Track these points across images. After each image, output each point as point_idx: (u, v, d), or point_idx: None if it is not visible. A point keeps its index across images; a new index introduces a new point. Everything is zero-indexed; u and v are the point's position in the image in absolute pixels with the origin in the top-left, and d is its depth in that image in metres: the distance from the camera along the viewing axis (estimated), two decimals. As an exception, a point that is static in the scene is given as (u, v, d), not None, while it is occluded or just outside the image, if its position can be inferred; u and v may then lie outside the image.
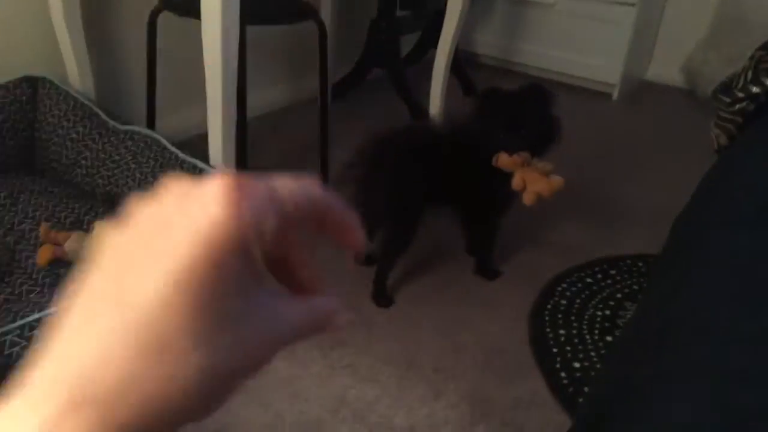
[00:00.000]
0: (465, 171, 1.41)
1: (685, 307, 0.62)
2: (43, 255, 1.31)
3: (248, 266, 0.27)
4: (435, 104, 2.35)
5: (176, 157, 1.51)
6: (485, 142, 1.39)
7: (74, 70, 1.74)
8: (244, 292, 0.27)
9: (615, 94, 2.90)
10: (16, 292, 1.27)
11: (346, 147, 2.22)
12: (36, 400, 0.24)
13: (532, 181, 1.35)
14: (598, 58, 2.88)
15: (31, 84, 1.68)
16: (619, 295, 1.54)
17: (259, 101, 2.38)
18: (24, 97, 1.65)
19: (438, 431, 1.17)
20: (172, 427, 0.26)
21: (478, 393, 1.26)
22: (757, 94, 1.18)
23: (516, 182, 1.36)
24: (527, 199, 1.35)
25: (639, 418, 0.51)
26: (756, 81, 1.18)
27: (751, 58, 1.24)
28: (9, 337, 1.08)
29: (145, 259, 0.26)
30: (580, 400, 1.24)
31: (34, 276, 1.30)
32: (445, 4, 2.18)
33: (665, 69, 3.09)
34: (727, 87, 1.23)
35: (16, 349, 1.08)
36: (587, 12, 2.84)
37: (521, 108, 1.41)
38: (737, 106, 1.20)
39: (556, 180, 1.36)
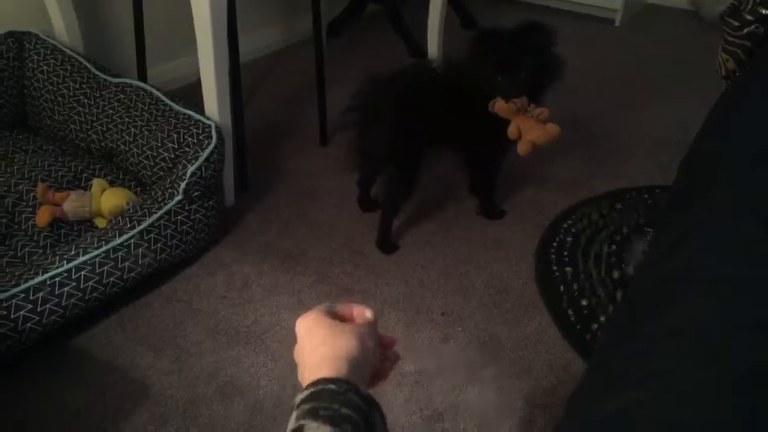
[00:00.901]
0: (464, 114, 1.37)
1: (692, 258, 0.61)
2: (43, 216, 1.30)
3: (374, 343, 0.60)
4: (433, 39, 2.28)
5: (170, 108, 1.48)
6: (482, 85, 1.35)
7: (60, 23, 1.68)
8: (375, 349, 0.60)
9: (618, 20, 2.81)
10: (19, 254, 1.27)
11: (345, 87, 2.16)
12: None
13: (527, 128, 1.31)
14: (600, -18, 2.78)
15: (17, 39, 1.63)
16: (625, 229, 1.53)
17: (251, 45, 2.31)
18: (10, 54, 1.61)
19: (446, 374, 1.18)
20: (365, 377, 0.57)
21: (486, 334, 1.27)
22: (766, 17, 1.14)
23: (511, 131, 1.32)
24: (522, 148, 1.32)
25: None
26: (766, 2, 1.13)
27: (761, -22, 1.18)
28: (14, 301, 1.09)
29: (340, 328, 0.59)
30: (587, 337, 1.25)
31: (35, 238, 1.30)
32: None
33: (669, -10, 2.99)
34: (735, 9, 1.17)
35: (22, 312, 1.09)
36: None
37: (519, 49, 1.34)
38: (746, 30, 1.15)
39: (552, 128, 1.31)
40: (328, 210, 1.61)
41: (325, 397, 0.49)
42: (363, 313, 0.63)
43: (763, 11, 1.13)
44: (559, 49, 1.41)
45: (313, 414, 0.47)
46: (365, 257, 1.46)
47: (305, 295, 1.35)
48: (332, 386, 0.50)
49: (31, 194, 1.35)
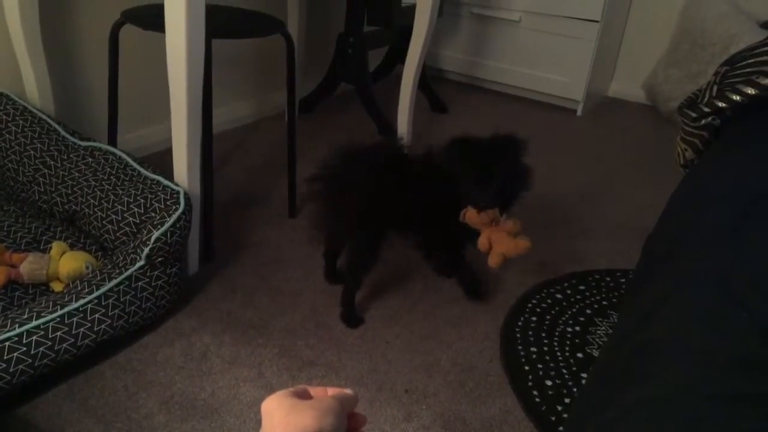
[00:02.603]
0: (430, 205, 1.39)
1: (663, 329, 0.61)
2: (-2, 277, 1.25)
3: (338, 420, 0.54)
4: (403, 120, 2.35)
5: (139, 173, 1.47)
6: (454, 190, 1.35)
7: (32, 84, 1.68)
8: (339, 427, 0.54)
9: (579, 110, 2.94)
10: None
11: (314, 162, 2.20)
12: None
13: (498, 241, 1.32)
14: (563, 75, 2.92)
15: (-13, 98, 1.62)
16: (588, 311, 1.55)
17: (224, 116, 2.34)
18: (-22, 112, 1.59)
19: (410, 454, 1.15)
20: None
21: (451, 413, 1.24)
22: (722, 109, 1.20)
23: (482, 242, 1.33)
24: (492, 261, 1.32)
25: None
26: (721, 96, 1.19)
27: (716, 73, 1.26)
28: None
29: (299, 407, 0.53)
30: (553, 418, 1.23)
31: (-13, 299, 1.24)
32: (412, 21, 2.18)
33: (627, 85, 3.15)
34: (692, 102, 1.24)
35: None
36: (551, 28, 2.88)
37: (493, 160, 1.33)
38: (703, 121, 1.21)
39: (523, 243, 1.32)
40: (294, 281, 1.60)
41: None
42: (341, 390, 0.60)
43: (719, 104, 1.19)
44: (522, 135, 1.45)
45: None
46: (330, 330, 1.43)
47: (266, 367, 1.31)
48: None
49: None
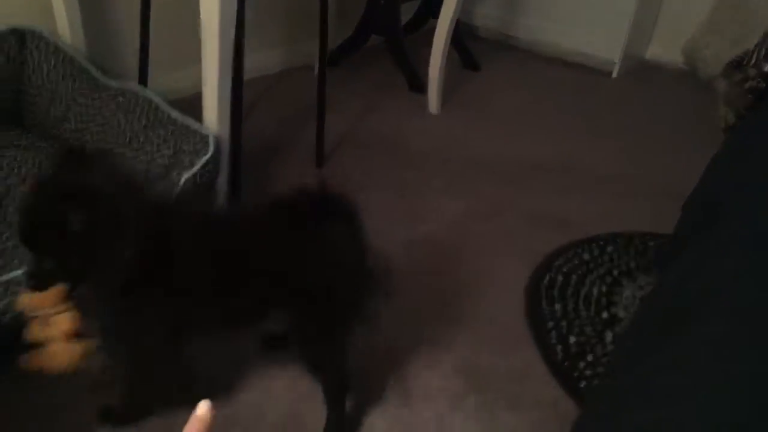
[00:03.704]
0: None
1: (704, 289, 0.60)
2: (30, 211, 1.26)
3: None
4: (433, 75, 2.31)
5: (168, 116, 1.47)
6: None
7: (64, 23, 1.68)
8: None
9: (615, 72, 2.86)
10: (1, 247, 1.23)
11: (341, 113, 2.19)
12: None
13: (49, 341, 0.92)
14: (599, 35, 2.84)
15: (19, 36, 1.62)
16: (615, 272, 1.53)
17: (252, 64, 2.32)
18: (11, 50, 1.59)
19: (430, 402, 1.15)
20: None
21: (473, 364, 1.24)
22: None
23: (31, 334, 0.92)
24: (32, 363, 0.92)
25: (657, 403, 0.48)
26: (768, 58, 1.15)
27: (766, 35, 1.21)
28: None
29: None
30: (575, 374, 1.23)
31: (19, 232, 1.26)
32: (448, -27, 2.13)
33: (665, 49, 3.05)
34: (738, 64, 1.20)
35: None
36: (590, -14, 2.79)
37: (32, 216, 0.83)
38: (748, 84, 1.17)
39: (78, 348, 0.92)
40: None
41: None
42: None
43: (766, 68, 1.15)
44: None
45: None
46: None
47: (290, 312, 1.32)
48: None
49: (20, 188, 1.32)
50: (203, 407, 0.50)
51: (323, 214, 0.97)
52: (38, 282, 0.85)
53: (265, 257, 0.92)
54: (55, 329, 0.91)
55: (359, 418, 1.11)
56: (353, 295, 0.97)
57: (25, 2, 1.69)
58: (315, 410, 1.10)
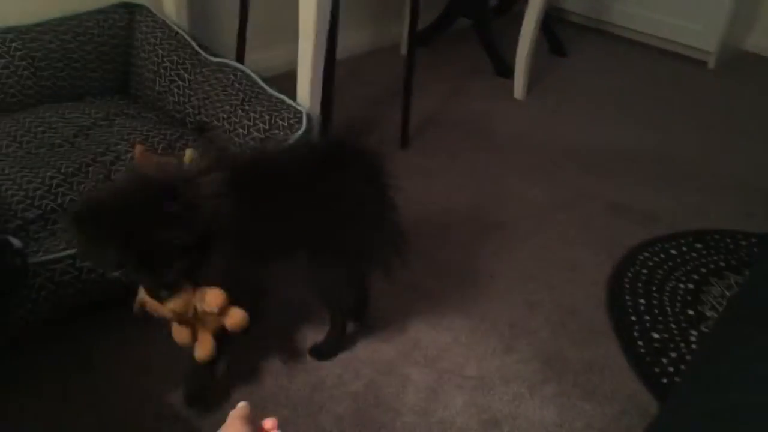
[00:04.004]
0: None
1: None
2: (137, 177, 1.34)
3: None
4: (521, 60, 2.28)
5: (265, 91, 1.52)
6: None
7: (170, 0, 1.76)
8: None
9: (711, 63, 2.75)
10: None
11: (427, 95, 2.20)
12: None
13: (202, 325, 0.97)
14: (696, 23, 2.73)
15: (129, 10, 1.71)
16: (704, 270, 1.49)
17: (344, 44, 2.36)
18: (121, 24, 1.69)
19: (508, 384, 1.17)
20: None
21: (551, 351, 1.25)
22: None
23: (178, 335, 0.98)
24: (202, 352, 0.98)
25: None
26: None
27: None
28: (59, 266, 1.10)
29: None
30: (656, 370, 1.22)
31: (127, 196, 1.35)
32: (541, -44, 2.10)
33: (766, 40, 2.91)
34: None
35: (66, 278, 1.10)
36: (690, -28, 2.68)
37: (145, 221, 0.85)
38: None
39: (236, 315, 0.94)
40: (402, 209, 1.62)
41: None
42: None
43: None
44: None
45: None
46: (432, 260, 1.47)
47: (371, 287, 1.36)
48: None
49: (129, 155, 1.41)
50: (242, 406, 0.63)
51: (343, 164, 1.02)
52: (166, 294, 0.90)
53: (296, 199, 1.00)
54: (203, 312, 0.93)
55: (437, 393, 1.14)
56: (363, 243, 1.07)
57: (135, -21, 1.77)
58: (391, 384, 1.14)
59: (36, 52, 1.53)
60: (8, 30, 1.50)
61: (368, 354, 1.20)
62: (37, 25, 1.54)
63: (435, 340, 1.24)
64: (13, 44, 1.49)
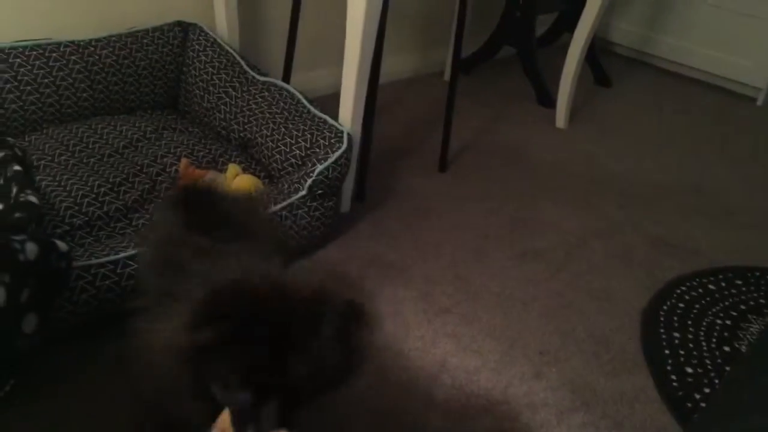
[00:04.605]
0: None
1: None
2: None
3: None
4: (564, 90, 2.29)
5: (308, 110, 1.56)
6: None
7: (223, 20, 1.83)
8: None
9: (760, 99, 2.71)
10: (153, 219, 1.36)
11: (468, 121, 2.22)
12: None
13: None
14: (746, 59, 2.69)
15: (183, 29, 1.78)
16: (743, 307, 1.46)
17: (385, 68, 2.40)
18: (176, 41, 1.76)
19: (536, 411, 1.16)
20: None
21: (581, 381, 1.23)
22: None
23: None
24: None
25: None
26: None
27: None
28: (101, 270, 1.13)
29: None
30: (689, 404, 1.19)
31: (170, 206, 1.39)
32: (588, -13, 2.11)
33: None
34: None
35: (107, 282, 1.14)
36: (739, 7, 2.65)
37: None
38: None
39: None
40: (437, 232, 1.64)
41: None
42: None
43: None
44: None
45: None
46: (467, 283, 1.47)
47: (404, 306, 1.37)
48: None
49: (174, 167, 1.46)
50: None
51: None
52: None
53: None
54: None
55: (464, 416, 1.14)
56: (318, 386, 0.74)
57: (192, 1, 1.85)
58: (416, 404, 1.14)
59: (93, 66, 1.60)
60: (68, 44, 1.57)
61: (395, 372, 1.21)
62: (96, 40, 1.62)
63: (463, 363, 1.24)
64: (72, 57, 1.57)
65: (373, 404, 1.14)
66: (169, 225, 0.92)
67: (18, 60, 1.49)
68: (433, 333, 1.31)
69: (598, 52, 2.72)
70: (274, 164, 1.55)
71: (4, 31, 1.54)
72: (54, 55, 1.54)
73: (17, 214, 1.18)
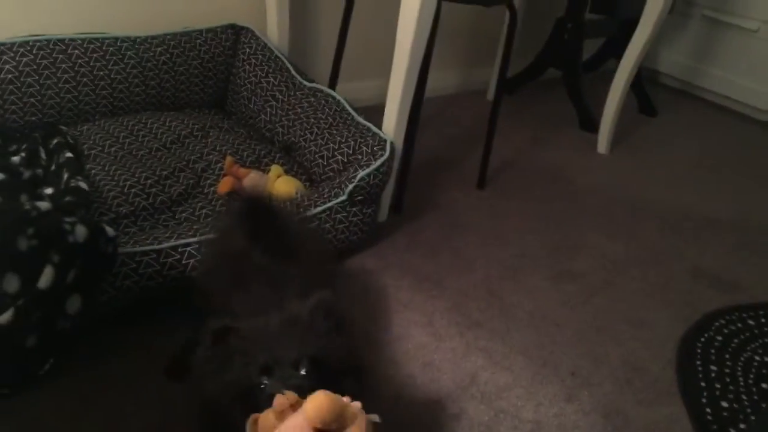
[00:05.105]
0: None
1: None
2: (224, 185, 1.42)
3: None
4: (608, 116, 2.27)
5: (352, 118, 1.58)
6: None
7: (274, 25, 1.86)
8: None
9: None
10: (196, 213, 1.39)
11: (509, 140, 2.22)
12: None
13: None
14: (796, 96, 2.65)
15: (235, 31, 1.82)
16: (783, 344, 1.42)
17: (432, 83, 2.42)
18: (227, 43, 1.80)
19: (565, 433, 1.14)
20: None
21: (613, 406, 1.21)
22: None
23: None
24: None
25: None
26: None
27: None
28: (145, 258, 1.15)
29: None
30: (724, 440, 1.16)
31: (213, 202, 1.42)
32: (637, 15, 2.10)
33: None
34: None
35: (150, 270, 1.15)
36: (793, 44, 2.61)
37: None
38: None
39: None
40: (473, 247, 1.63)
41: None
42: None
43: None
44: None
45: None
46: (500, 299, 1.46)
47: (437, 318, 1.36)
48: None
49: (219, 165, 1.49)
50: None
51: None
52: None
53: None
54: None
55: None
56: None
57: (245, 4, 1.89)
58: (445, 416, 1.13)
59: (147, 62, 1.64)
60: (125, 39, 1.62)
61: (425, 382, 1.20)
62: (152, 37, 1.66)
63: (494, 378, 1.23)
64: (128, 53, 1.61)
65: (401, 414, 1.13)
66: (234, 236, 1.00)
67: (76, 51, 1.54)
68: (464, 346, 1.30)
69: (644, 80, 2.70)
70: (316, 168, 1.57)
71: (64, 23, 1.60)
72: (111, 49, 1.59)
73: (67, 198, 1.21)
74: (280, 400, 0.71)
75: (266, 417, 0.73)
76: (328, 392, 0.71)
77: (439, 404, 1.16)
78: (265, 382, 0.77)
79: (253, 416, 0.74)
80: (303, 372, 0.77)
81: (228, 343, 0.80)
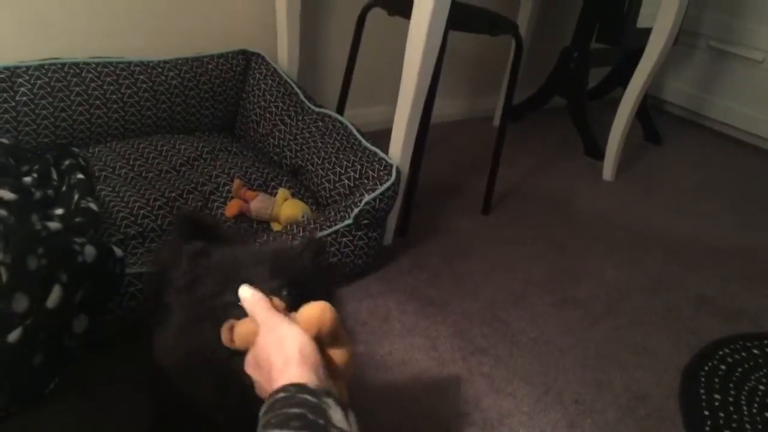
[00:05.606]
0: None
1: None
2: (232, 208, 1.44)
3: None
4: (613, 143, 2.29)
5: (359, 143, 1.60)
6: None
7: (284, 51, 1.90)
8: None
9: (815, 167, 2.66)
10: (203, 235, 1.40)
11: (513, 167, 2.23)
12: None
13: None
14: (801, 126, 2.66)
15: (246, 57, 1.86)
16: (788, 374, 1.42)
17: (438, 110, 2.45)
18: (238, 68, 1.83)
19: (567, 461, 1.14)
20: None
21: (616, 434, 1.21)
22: None
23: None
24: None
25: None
26: None
27: None
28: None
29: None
30: (728, 470, 1.15)
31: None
32: (643, 44, 2.12)
33: None
34: None
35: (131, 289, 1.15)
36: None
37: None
38: None
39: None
40: (477, 272, 1.64)
41: (276, 405, 0.58)
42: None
43: None
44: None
45: (265, 427, 0.56)
46: (504, 325, 1.46)
47: (440, 343, 1.37)
48: (281, 394, 0.59)
49: (227, 188, 1.51)
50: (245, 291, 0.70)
51: None
52: None
53: None
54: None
55: (493, 458, 1.13)
56: None
57: (255, 30, 1.93)
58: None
59: (159, 86, 1.67)
60: (138, 63, 1.65)
61: (428, 407, 1.20)
62: (164, 61, 1.69)
63: (496, 404, 1.23)
64: (141, 77, 1.65)
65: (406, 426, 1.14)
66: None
67: (90, 75, 1.57)
68: (467, 371, 1.30)
69: (649, 108, 2.73)
70: (323, 192, 1.58)
71: (79, 46, 1.63)
72: (124, 73, 1.62)
73: (78, 219, 1.23)
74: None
75: (245, 323, 0.69)
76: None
77: (442, 430, 1.16)
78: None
79: (229, 322, 0.70)
80: (285, 293, 0.73)
81: (205, 265, 0.76)
